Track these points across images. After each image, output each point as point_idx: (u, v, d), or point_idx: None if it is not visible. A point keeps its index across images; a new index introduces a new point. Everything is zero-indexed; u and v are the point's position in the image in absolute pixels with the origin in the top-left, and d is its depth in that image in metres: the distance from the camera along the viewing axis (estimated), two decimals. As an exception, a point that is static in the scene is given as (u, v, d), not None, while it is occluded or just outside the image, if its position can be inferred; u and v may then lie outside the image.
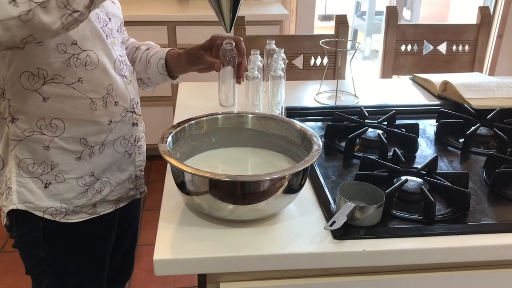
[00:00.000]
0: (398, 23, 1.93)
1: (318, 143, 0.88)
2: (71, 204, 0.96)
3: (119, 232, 1.14)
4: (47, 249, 0.99)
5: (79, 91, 0.91)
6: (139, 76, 1.16)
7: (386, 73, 1.97)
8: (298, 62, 1.82)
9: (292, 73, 1.80)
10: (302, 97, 1.47)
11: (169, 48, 1.15)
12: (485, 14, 1.93)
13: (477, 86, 1.39)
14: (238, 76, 1.03)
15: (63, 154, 0.93)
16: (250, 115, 1.00)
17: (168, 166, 0.92)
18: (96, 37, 0.92)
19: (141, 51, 1.16)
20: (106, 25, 0.97)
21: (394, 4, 3.11)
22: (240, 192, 0.79)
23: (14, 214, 0.95)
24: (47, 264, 1.00)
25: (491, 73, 3.20)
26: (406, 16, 4.66)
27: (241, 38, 1.04)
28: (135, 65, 1.15)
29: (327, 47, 1.40)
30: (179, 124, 0.93)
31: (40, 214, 0.94)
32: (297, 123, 0.96)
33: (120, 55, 1.00)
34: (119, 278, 1.28)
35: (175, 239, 0.81)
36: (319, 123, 1.26)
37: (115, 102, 0.97)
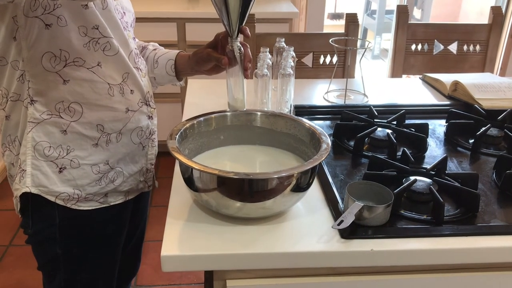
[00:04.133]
0: (409, 22, 1.92)
1: (327, 141, 0.88)
2: (83, 190, 0.97)
3: (129, 227, 1.15)
4: (62, 245, 0.99)
5: (98, 75, 0.92)
6: None
7: (396, 72, 1.96)
8: (308, 60, 1.82)
9: (302, 71, 1.79)
10: (311, 96, 1.46)
11: (179, 51, 1.16)
12: (497, 14, 1.91)
13: (488, 87, 1.37)
14: (244, 68, 1.02)
15: (80, 139, 0.94)
16: (258, 113, 0.99)
17: (177, 162, 0.92)
18: (115, 27, 0.94)
19: (149, 51, 1.16)
20: (122, 17, 0.99)
21: (405, 3, 3.09)
22: (248, 189, 0.79)
23: (27, 199, 0.96)
24: (62, 260, 1.01)
25: (502, 73, 3.17)
26: (416, 15, 4.63)
27: (248, 45, 1.04)
28: None
29: (337, 45, 1.39)
30: (188, 121, 0.93)
31: (52, 199, 0.95)
32: (306, 121, 0.96)
33: (135, 48, 1.01)
34: (126, 273, 1.29)
35: (182, 236, 0.81)
36: (328, 122, 1.26)
37: (131, 90, 0.98)
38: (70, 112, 0.92)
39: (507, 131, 1.14)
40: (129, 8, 1.04)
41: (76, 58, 0.89)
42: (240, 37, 1.03)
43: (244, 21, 0.98)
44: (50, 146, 0.93)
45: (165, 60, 1.13)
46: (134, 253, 1.27)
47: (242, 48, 1.01)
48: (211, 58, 1.05)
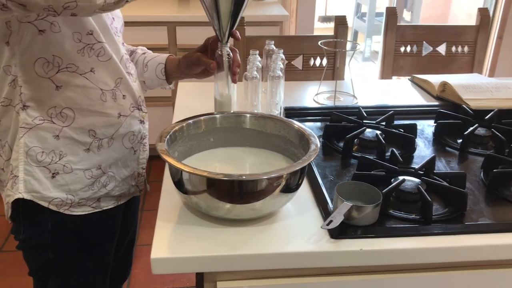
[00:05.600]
0: (398, 24, 1.93)
1: (316, 142, 0.89)
2: (76, 195, 0.97)
3: (120, 232, 1.15)
4: (55, 251, 0.99)
5: (91, 81, 0.92)
6: None
7: (385, 74, 1.97)
8: (298, 62, 1.82)
9: (292, 74, 1.80)
10: (301, 98, 1.47)
11: (168, 54, 1.16)
12: (484, 15, 1.93)
13: (475, 87, 1.39)
14: (233, 73, 1.03)
15: (72, 144, 0.94)
16: (248, 115, 1.00)
17: (167, 165, 0.92)
18: (107, 33, 0.94)
19: (138, 55, 1.16)
20: (112, 23, 0.99)
21: (394, 6, 3.12)
22: (237, 191, 0.79)
23: (19, 205, 0.95)
24: (54, 266, 1.01)
25: (491, 74, 3.20)
26: (406, 17, 4.67)
27: (237, 50, 1.05)
28: None
29: (326, 47, 1.40)
30: (177, 123, 0.94)
31: (45, 204, 0.94)
32: (295, 123, 0.97)
33: (125, 53, 1.02)
34: (118, 277, 1.28)
35: (172, 238, 0.81)
36: (318, 123, 1.27)
37: (123, 95, 0.98)
38: (62, 117, 0.92)
39: (494, 130, 1.16)
40: (118, 14, 1.04)
41: (69, 64, 0.89)
42: (230, 42, 1.04)
43: (235, 27, 0.99)
44: (42, 152, 0.92)
45: (155, 64, 1.13)
46: (125, 257, 1.27)
47: (231, 53, 1.02)
48: (200, 62, 1.05)
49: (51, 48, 0.87)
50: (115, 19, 1.02)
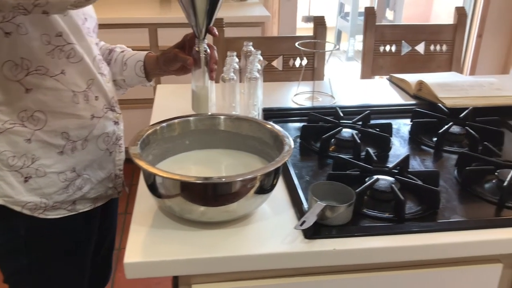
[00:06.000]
0: (378, 23, 1.95)
1: (290, 144, 0.89)
2: (50, 199, 0.96)
3: (98, 236, 1.14)
4: (28, 257, 0.98)
5: (62, 83, 0.91)
6: (113, 78, 1.16)
7: (365, 73, 1.98)
8: (278, 63, 1.83)
9: (272, 75, 1.81)
10: (281, 98, 1.47)
11: (147, 51, 1.15)
12: (461, 14, 1.95)
13: (451, 86, 1.41)
14: (210, 70, 1.03)
15: (45, 147, 0.93)
16: (222, 117, 1.00)
17: (142, 169, 0.92)
18: (78, 34, 0.93)
19: (116, 53, 1.15)
20: (84, 23, 0.98)
21: (376, 5, 3.14)
22: (210, 194, 0.79)
23: None
24: (28, 272, 1.00)
25: (472, 72, 3.24)
26: (389, 17, 4.70)
27: (215, 47, 1.05)
28: (110, 67, 1.15)
29: (303, 48, 1.41)
30: (150, 126, 0.93)
31: (18, 209, 0.93)
32: (270, 124, 0.97)
33: (98, 54, 1.01)
34: (98, 282, 1.27)
35: (147, 242, 0.81)
36: (296, 124, 1.27)
37: (95, 97, 0.97)
38: (34, 120, 0.91)
39: (468, 128, 1.17)
40: (90, 14, 1.03)
41: (39, 67, 0.89)
42: (210, 39, 1.03)
43: (212, 22, 0.99)
44: (14, 156, 0.91)
45: (134, 61, 1.13)
46: (105, 261, 1.26)
47: (208, 50, 1.01)
48: (177, 59, 1.04)
49: (19, 50, 0.86)
50: (88, 19, 1.01)
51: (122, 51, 1.16)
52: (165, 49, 1.10)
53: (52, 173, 0.95)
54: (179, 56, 1.04)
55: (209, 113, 1.04)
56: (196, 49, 1.01)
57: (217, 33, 1.03)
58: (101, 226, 1.14)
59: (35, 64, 0.88)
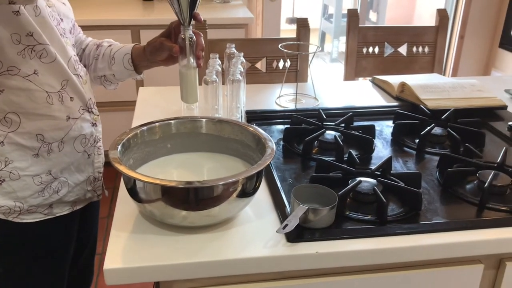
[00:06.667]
0: (361, 25, 1.96)
1: (272, 146, 0.88)
2: (26, 203, 0.94)
3: (79, 241, 1.12)
4: (3, 264, 0.96)
5: (35, 83, 0.90)
6: (102, 73, 1.14)
7: (348, 75, 1.99)
8: (261, 65, 1.82)
9: (255, 77, 1.80)
10: (264, 101, 1.47)
11: (134, 44, 1.14)
12: (443, 16, 1.97)
13: (433, 87, 1.42)
14: (197, 57, 1.00)
15: (19, 150, 0.91)
16: (204, 120, 0.99)
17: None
18: (51, 34, 0.92)
19: (104, 48, 1.14)
20: (59, 24, 0.96)
21: (359, 7, 3.16)
22: (192, 198, 0.78)
23: None
24: (4, 280, 0.97)
25: (454, 73, 3.28)
26: (372, 18, 4.74)
27: (201, 34, 1.02)
28: (98, 62, 1.13)
29: (286, 50, 1.40)
30: (131, 130, 0.92)
31: None
32: (252, 126, 0.96)
33: (74, 55, 0.99)
34: (80, 287, 1.25)
35: (127, 247, 0.80)
36: (280, 126, 1.27)
37: (71, 97, 0.96)
38: (7, 122, 0.89)
39: (450, 130, 1.18)
40: (67, 15, 1.02)
41: (10, 67, 0.87)
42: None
43: (196, 8, 0.96)
44: None
45: (121, 55, 1.11)
46: (87, 266, 1.24)
47: (194, 37, 1.00)
48: (163, 47, 1.02)
49: None
50: (64, 20, 0.99)
51: (110, 45, 1.14)
52: (151, 39, 1.08)
53: (26, 176, 0.93)
54: (165, 44, 1.02)
55: (197, 101, 1.03)
56: (182, 36, 0.99)
57: (202, 19, 1.01)
58: (81, 230, 1.12)
59: (6, 64, 0.86)
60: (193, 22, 1.00)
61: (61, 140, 0.95)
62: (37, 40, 0.89)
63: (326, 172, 0.99)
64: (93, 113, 1.02)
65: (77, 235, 1.09)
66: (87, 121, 1.00)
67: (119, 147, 0.85)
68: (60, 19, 0.98)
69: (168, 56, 1.05)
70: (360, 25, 1.95)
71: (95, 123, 1.03)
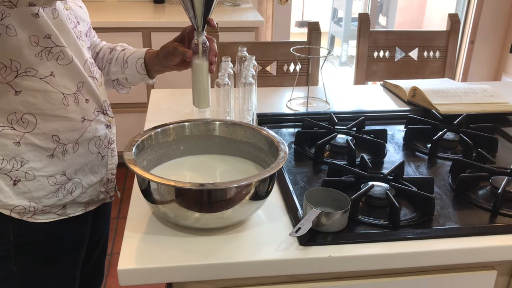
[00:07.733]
0: (372, 29, 1.96)
1: (285, 150, 0.89)
2: (40, 203, 0.95)
3: (90, 242, 1.13)
4: (18, 263, 0.97)
5: (51, 85, 0.91)
6: (115, 77, 1.15)
7: (359, 79, 1.99)
8: (272, 68, 1.83)
9: (266, 80, 1.81)
10: (275, 104, 1.47)
11: (147, 48, 1.15)
12: (454, 21, 1.97)
13: (445, 92, 1.41)
14: (209, 63, 1.01)
15: (35, 150, 0.92)
16: (217, 122, 1.00)
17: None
18: (68, 37, 0.93)
19: (117, 52, 1.15)
20: (76, 27, 0.98)
21: (369, 11, 3.15)
22: (205, 200, 0.79)
23: None
24: (18, 279, 0.98)
25: (464, 78, 3.26)
26: (382, 22, 4.73)
27: (214, 39, 1.03)
28: (111, 66, 1.14)
29: (298, 54, 1.41)
30: (145, 132, 0.93)
31: (7, 212, 0.92)
32: (265, 130, 0.97)
33: (90, 57, 1.00)
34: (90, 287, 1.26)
35: (141, 248, 0.80)
36: (291, 130, 1.27)
37: (86, 99, 0.97)
38: (24, 123, 0.90)
39: (462, 135, 1.18)
40: (83, 18, 1.03)
41: (28, 68, 0.88)
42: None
43: (210, 14, 0.97)
44: (3, 159, 0.90)
45: (134, 59, 1.12)
46: (97, 267, 1.25)
47: (207, 42, 1.00)
48: (176, 52, 1.02)
49: (8, 52, 0.85)
50: (80, 23, 1.01)
51: (123, 49, 1.15)
52: (164, 44, 1.08)
53: (41, 177, 0.94)
54: (178, 49, 1.02)
55: (209, 106, 1.03)
56: (195, 41, 1.00)
57: (215, 24, 1.02)
58: (93, 231, 1.13)
59: (24, 65, 0.87)
60: (206, 27, 1.01)
61: (76, 142, 0.96)
62: (54, 42, 0.90)
63: (338, 176, 0.99)
64: (107, 115, 1.03)
65: (89, 235, 1.10)
66: (101, 123, 1.01)
67: (134, 148, 0.86)
68: (77, 22, 0.99)
69: (181, 61, 1.06)
70: (370, 29, 1.95)
71: (109, 125, 1.04)
